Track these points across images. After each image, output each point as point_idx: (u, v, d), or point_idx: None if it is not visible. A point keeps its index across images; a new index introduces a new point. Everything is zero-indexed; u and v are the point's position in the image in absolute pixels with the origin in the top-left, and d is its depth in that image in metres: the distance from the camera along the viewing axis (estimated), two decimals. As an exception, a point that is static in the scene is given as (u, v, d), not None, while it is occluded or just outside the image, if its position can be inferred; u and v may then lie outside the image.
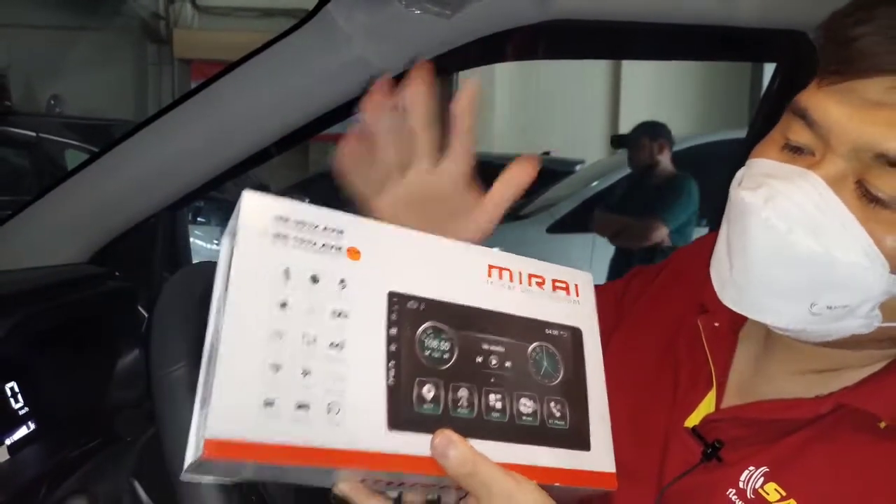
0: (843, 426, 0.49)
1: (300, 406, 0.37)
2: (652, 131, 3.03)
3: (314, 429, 0.37)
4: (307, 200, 0.46)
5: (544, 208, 4.13)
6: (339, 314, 0.40)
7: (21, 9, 7.10)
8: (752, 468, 0.50)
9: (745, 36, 0.91)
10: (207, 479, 0.39)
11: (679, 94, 7.31)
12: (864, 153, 0.44)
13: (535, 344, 0.46)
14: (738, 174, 0.51)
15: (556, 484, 0.42)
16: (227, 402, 0.36)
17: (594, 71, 7.60)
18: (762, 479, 0.49)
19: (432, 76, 0.47)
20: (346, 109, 0.95)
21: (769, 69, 1.13)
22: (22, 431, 0.82)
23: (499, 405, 0.43)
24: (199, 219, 3.78)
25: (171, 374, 0.67)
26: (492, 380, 0.43)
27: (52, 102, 4.94)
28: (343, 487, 0.40)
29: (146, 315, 1.07)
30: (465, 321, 0.44)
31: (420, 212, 0.50)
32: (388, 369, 0.40)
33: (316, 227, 0.41)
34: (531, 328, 0.46)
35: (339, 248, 0.42)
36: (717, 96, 7.25)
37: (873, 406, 0.48)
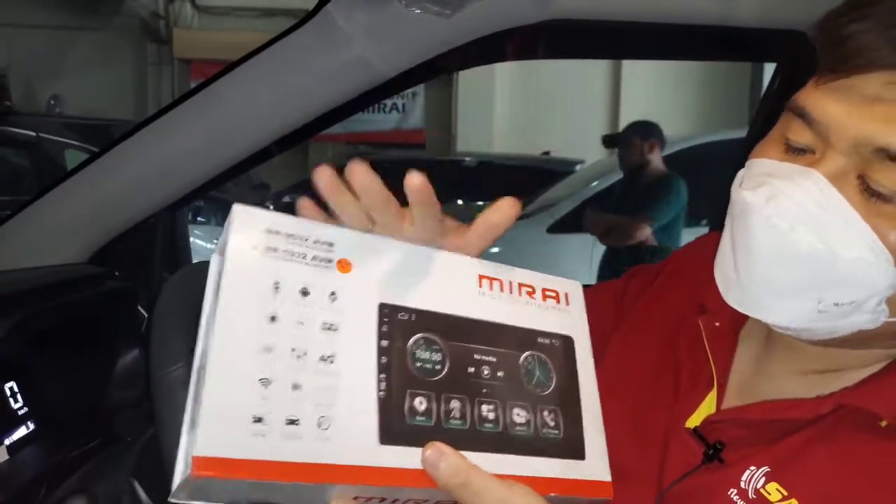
0: (845, 426, 0.49)
1: (290, 421, 0.37)
2: (643, 131, 3.04)
3: (305, 444, 0.37)
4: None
5: (544, 208, 4.13)
6: (330, 327, 0.40)
7: (21, 9, 7.10)
8: (753, 468, 0.50)
9: (745, 36, 0.91)
10: (197, 502, 0.38)
11: (679, 94, 7.31)
12: (864, 148, 0.45)
13: (526, 353, 0.45)
14: (739, 175, 0.51)
15: (552, 494, 0.42)
16: (216, 419, 0.35)
17: (594, 71, 7.60)
18: (763, 478, 0.49)
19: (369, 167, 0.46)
20: (345, 109, 0.95)
21: (769, 69, 1.13)
22: (21, 431, 0.82)
23: (491, 416, 0.42)
24: (199, 218, 3.78)
25: (170, 374, 0.67)
26: (484, 390, 0.43)
27: (52, 102, 4.94)
28: None
29: (146, 315, 1.07)
30: (456, 332, 0.43)
31: None
32: (379, 381, 0.40)
33: (306, 239, 0.41)
34: (522, 337, 0.46)
35: (330, 261, 0.41)
36: (717, 96, 7.25)
37: (874, 405, 0.48)
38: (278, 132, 0.95)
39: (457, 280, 0.45)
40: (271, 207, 0.45)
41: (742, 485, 0.50)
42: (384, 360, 0.41)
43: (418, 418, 0.40)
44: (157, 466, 0.63)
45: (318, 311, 0.40)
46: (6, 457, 0.78)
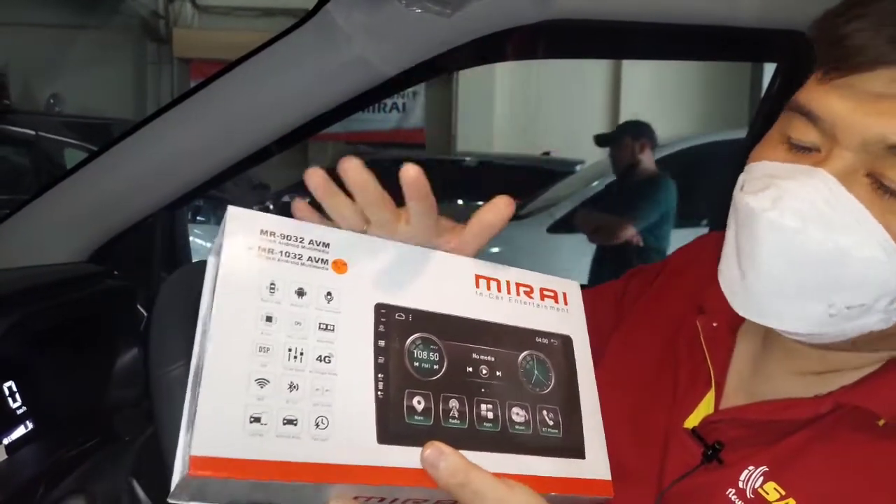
0: (843, 425, 0.49)
1: (288, 421, 0.37)
2: (635, 131, 3.06)
3: (302, 444, 0.37)
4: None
5: (544, 208, 4.13)
6: (326, 327, 0.40)
7: (20, 7, 7.10)
8: (751, 468, 0.50)
9: (745, 36, 0.91)
10: (196, 503, 0.38)
11: (679, 94, 7.31)
12: (874, 146, 0.44)
13: (525, 353, 0.45)
14: (740, 179, 0.51)
15: (552, 493, 0.42)
16: (213, 418, 0.35)
17: (594, 71, 7.60)
18: (761, 478, 0.49)
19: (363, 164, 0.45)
20: (345, 109, 0.95)
21: (769, 69, 1.13)
22: (20, 431, 0.82)
23: (490, 415, 0.42)
24: (198, 218, 3.78)
25: (169, 373, 0.67)
26: (483, 390, 0.43)
27: (52, 101, 4.94)
28: None
29: (145, 314, 1.07)
30: (453, 332, 0.43)
31: None
32: (376, 381, 0.40)
33: (301, 240, 0.41)
34: (521, 337, 0.46)
35: (326, 262, 0.41)
36: (717, 96, 7.25)
37: (872, 404, 0.48)
38: (278, 131, 0.95)
39: (453, 280, 0.45)
40: (271, 207, 0.44)
41: (740, 484, 0.50)
42: (381, 360, 0.41)
43: (417, 418, 0.40)
44: (156, 466, 0.63)
45: (314, 312, 0.40)
46: (4, 456, 0.78)
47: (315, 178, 0.44)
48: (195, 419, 0.35)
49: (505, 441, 0.42)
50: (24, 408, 0.83)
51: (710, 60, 5.90)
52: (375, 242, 0.44)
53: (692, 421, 0.56)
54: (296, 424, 0.37)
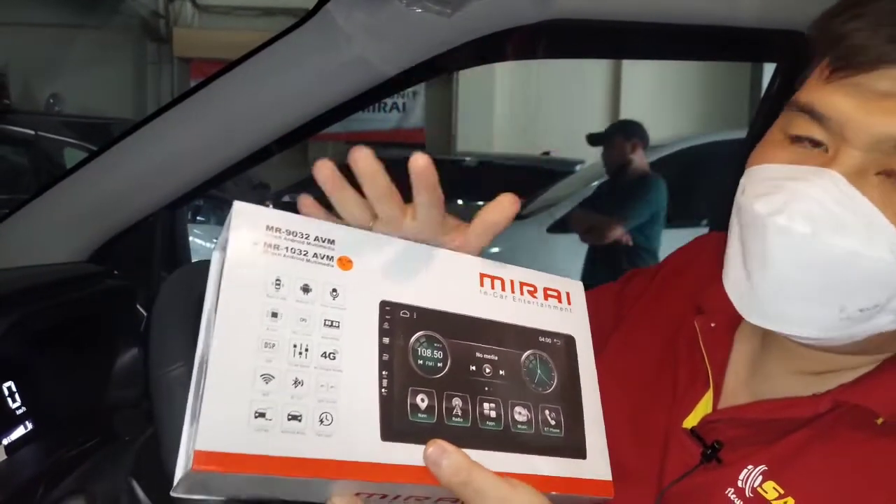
0: (842, 424, 0.49)
1: (292, 417, 0.37)
2: (626, 130, 3.07)
3: (306, 440, 0.37)
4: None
5: (544, 208, 4.13)
6: (331, 324, 0.40)
7: (20, 7, 7.10)
8: (750, 467, 0.50)
9: (745, 36, 0.91)
10: (199, 497, 0.38)
11: (679, 94, 7.31)
12: (885, 144, 0.44)
13: (528, 352, 0.46)
14: (742, 183, 0.50)
15: (553, 493, 0.42)
16: (218, 413, 0.35)
17: (594, 71, 7.60)
18: (760, 477, 0.49)
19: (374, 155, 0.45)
20: (345, 108, 0.95)
21: (769, 69, 1.13)
22: (19, 431, 0.82)
23: (493, 414, 0.42)
24: (198, 217, 3.78)
25: (169, 373, 0.67)
26: (486, 389, 0.43)
27: (51, 101, 4.94)
28: (337, 501, 0.40)
29: (145, 314, 1.07)
30: (457, 330, 0.43)
31: None
32: (381, 379, 0.40)
33: (307, 236, 0.41)
34: (524, 336, 0.46)
35: (331, 258, 0.41)
36: (717, 96, 7.25)
37: (871, 402, 0.48)
38: (278, 131, 0.95)
39: (458, 278, 0.45)
40: (271, 207, 0.44)
41: (739, 484, 0.50)
42: (386, 357, 0.41)
43: (420, 416, 0.40)
44: (156, 466, 0.63)
45: (319, 308, 0.40)
46: (4, 456, 0.78)
47: (324, 170, 0.43)
48: (199, 414, 0.35)
49: (507, 440, 0.42)
50: (23, 408, 0.83)
51: (710, 60, 5.89)
52: (380, 239, 0.44)
53: (691, 421, 0.56)
54: (300, 420, 0.37)
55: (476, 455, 0.40)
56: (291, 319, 0.39)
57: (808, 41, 0.50)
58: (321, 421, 0.37)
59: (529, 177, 5.07)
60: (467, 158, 5.59)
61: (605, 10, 0.89)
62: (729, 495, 0.50)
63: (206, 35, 8.12)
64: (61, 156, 3.75)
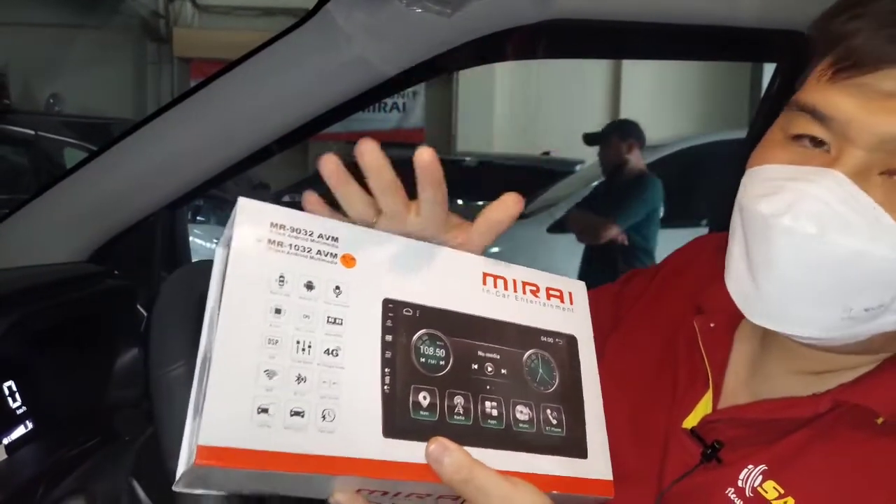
0: (842, 424, 0.49)
1: (294, 413, 0.37)
2: (622, 130, 3.08)
3: (308, 436, 0.37)
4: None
5: (544, 208, 4.14)
6: (334, 321, 0.40)
7: (20, 7, 7.10)
8: (750, 467, 0.50)
9: (745, 36, 0.91)
10: (200, 491, 0.39)
11: (679, 94, 7.31)
12: (888, 144, 0.44)
13: (530, 351, 0.46)
14: (743, 184, 0.50)
15: (554, 492, 0.42)
16: (221, 409, 0.35)
17: (594, 71, 7.60)
18: (761, 477, 0.49)
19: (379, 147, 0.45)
20: (345, 108, 0.95)
21: (769, 69, 1.13)
22: (20, 431, 0.82)
23: (495, 413, 0.43)
24: (198, 217, 3.79)
25: (169, 373, 0.67)
26: (488, 387, 0.43)
27: (52, 101, 4.94)
28: (339, 497, 0.40)
29: (145, 314, 1.07)
30: (460, 328, 0.44)
31: None
32: (383, 376, 0.40)
33: (311, 234, 0.41)
34: (526, 336, 0.46)
35: (335, 256, 0.42)
36: (717, 96, 7.25)
37: (871, 402, 0.48)
38: (278, 131, 0.95)
39: (461, 277, 0.45)
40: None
41: (739, 483, 0.50)
42: (388, 354, 0.41)
43: (422, 413, 0.40)
44: (156, 466, 0.63)
45: (322, 305, 0.40)
46: (4, 456, 0.78)
47: (329, 164, 0.43)
48: (203, 409, 0.35)
49: (508, 439, 0.42)
50: (24, 407, 0.83)
51: (710, 60, 5.89)
52: (384, 237, 0.44)
53: (691, 421, 0.56)
54: (303, 416, 0.37)
55: (477, 453, 0.40)
56: (295, 316, 0.39)
57: (809, 41, 0.50)
58: (323, 417, 0.38)
59: (529, 177, 5.07)
60: (467, 158, 5.60)
61: (605, 10, 0.89)
62: (729, 495, 0.50)
63: (206, 35, 8.12)
64: (61, 156, 3.76)
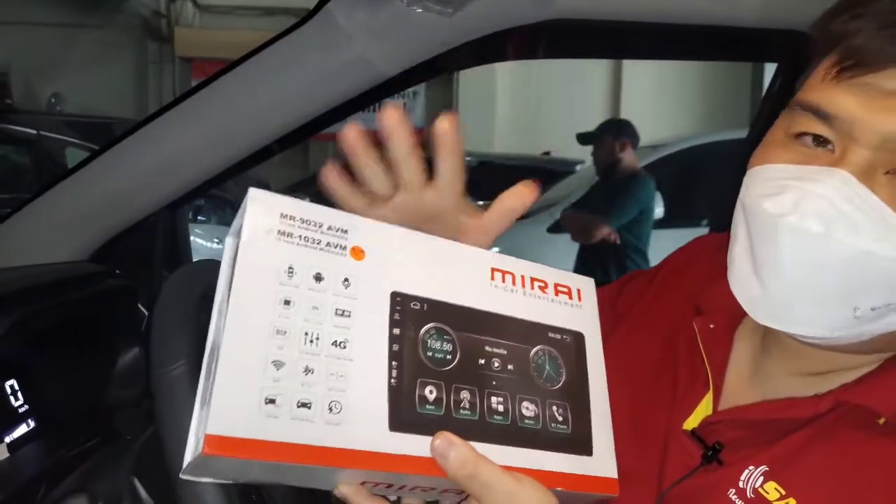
0: (843, 424, 0.49)
1: (301, 404, 0.37)
2: (616, 130, 3.10)
3: (315, 427, 0.37)
4: (308, 199, 0.46)
5: (544, 208, 4.13)
6: (343, 313, 0.40)
7: (22, 6, 7.10)
8: (751, 467, 0.50)
9: (745, 36, 0.91)
10: (206, 479, 0.39)
11: (680, 94, 7.31)
12: (893, 143, 0.44)
13: (537, 347, 0.46)
14: (745, 184, 0.50)
15: (558, 489, 0.42)
16: (228, 399, 0.36)
17: (594, 71, 7.60)
18: (762, 478, 0.49)
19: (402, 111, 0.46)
20: (346, 108, 0.95)
21: (769, 69, 1.12)
22: (21, 429, 0.82)
23: (501, 408, 0.43)
24: (199, 217, 3.78)
25: (170, 372, 0.67)
26: (494, 382, 0.43)
27: (53, 100, 4.94)
28: (343, 489, 0.40)
29: (146, 313, 1.07)
30: (467, 323, 0.44)
31: None
32: (390, 369, 0.40)
33: (321, 225, 0.41)
34: (534, 332, 0.46)
35: (344, 248, 0.42)
36: (717, 96, 7.24)
37: (872, 402, 0.48)
38: (279, 131, 0.95)
39: (469, 272, 0.45)
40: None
41: (740, 484, 0.50)
42: (395, 348, 0.41)
43: (428, 407, 0.41)
44: (158, 465, 0.63)
45: (331, 297, 0.40)
46: (6, 455, 0.78)
47: (351, 133, 0.43)
48: (211, 398, 0.35)
49: (514, 434, 0.43)
50: (25, 406, 0.83)
51: (711, 60, 5.89)
52: (393, 231, 0.44)
53: (691, 422, 0.56)
54: (310, 408, 0.37)
55: (483, 448, 0.40)
56: (303, 307, 0.39)
57: (810, 41, 0.50)
58: (330, 409, 0.38)
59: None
60: (467, 158, 5.58)
61: (605, 10, 0.89)
62: (730, 496, 0.50)
63: (207, 35, 8.12)
64: (63, 155, 3.76)
